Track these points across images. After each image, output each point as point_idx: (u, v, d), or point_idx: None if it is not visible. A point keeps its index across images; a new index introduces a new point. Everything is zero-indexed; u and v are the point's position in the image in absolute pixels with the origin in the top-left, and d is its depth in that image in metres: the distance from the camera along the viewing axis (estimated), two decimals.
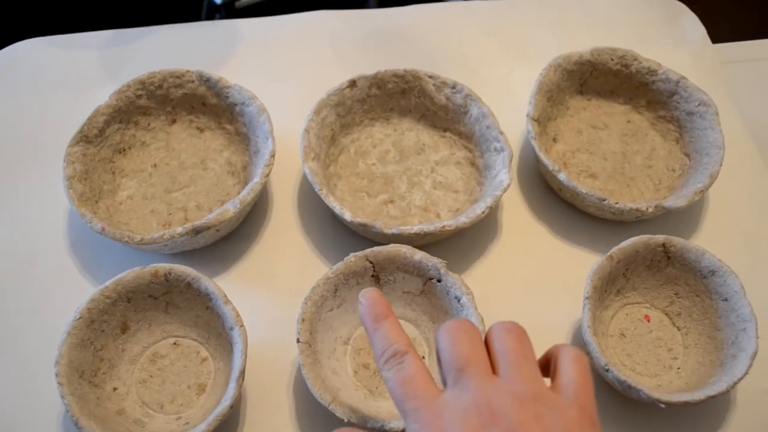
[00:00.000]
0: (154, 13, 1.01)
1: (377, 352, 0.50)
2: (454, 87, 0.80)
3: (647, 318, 0.72)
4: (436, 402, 0.46)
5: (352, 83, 0.80)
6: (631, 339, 0.70)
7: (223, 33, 0.95)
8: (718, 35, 0.96)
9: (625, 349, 0.70)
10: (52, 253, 0.76)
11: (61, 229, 0.78)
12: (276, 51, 0.93)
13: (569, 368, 0.47)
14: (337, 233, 0.77)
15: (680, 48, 0.94)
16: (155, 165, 0.80)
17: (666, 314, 0.72)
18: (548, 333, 0.72)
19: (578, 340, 0.72)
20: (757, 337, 0.65)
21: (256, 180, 0.72)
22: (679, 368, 0.69)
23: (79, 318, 0.64)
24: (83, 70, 0.90)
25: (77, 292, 0.72)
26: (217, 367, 0.68)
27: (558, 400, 0.46)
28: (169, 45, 0.93)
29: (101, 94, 0.79)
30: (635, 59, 0.82)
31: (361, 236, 0.75)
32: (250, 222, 0.78)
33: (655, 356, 0.70)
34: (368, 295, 0.53)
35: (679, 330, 0.71)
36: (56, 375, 0.61)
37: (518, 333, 0.48)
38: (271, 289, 0.74)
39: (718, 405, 0.68)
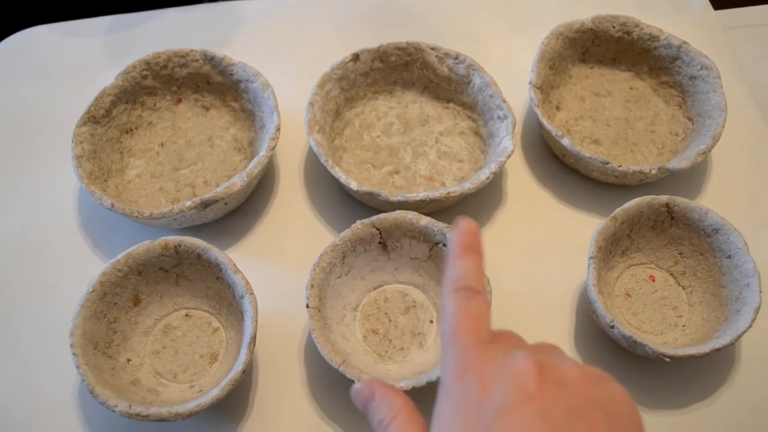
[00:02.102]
0: None
1: (450, 278, 0.44)
2: (456, 58, 0.80)
3: (652, 278, 0.72)
4: (491, 346, 0.42)
5: (355, 57, 0.80)
6: (637, 299, 0.71)
7: (226, 14, 0.96)
8: (719, 1, 0.96)
9: (631, 308, 0.70)
10: (63, 232, 0.78)
11: (71, 208, 0.79)
12: (279, 29, 0.94)
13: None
14: (343, 204, 0.78)
15: (682, 15, 0.94)
16: (162, 144, 0.81)
17: (671, 274, 0.73)
18: (554, 295, 0.73)
19: (584, 300, 0.72)
20: (761, 292, 0.65)
21: (263, 153, 0.73)
22: (684, 326, 0.70)
23: (92, 291, 0.65)
24: (88, 55, 0.92)
25: (88, 269, 0.73)
26: (228, 336, 0.69)
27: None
28: (173, 28, 0.94)
29: (107, 79, 0.80)
30: (636, 26, 0.83)
31: (367, 206, 0.76)
32: (257, 196, 0.79)
33: (661, 315, 0.70)
34: (467, 224, 0.46)
35: (683, 289, 0.72)
36: (71, 346, 0.62)
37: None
38: (279, 261, 0.75)
39: (723, 360, 0.69)
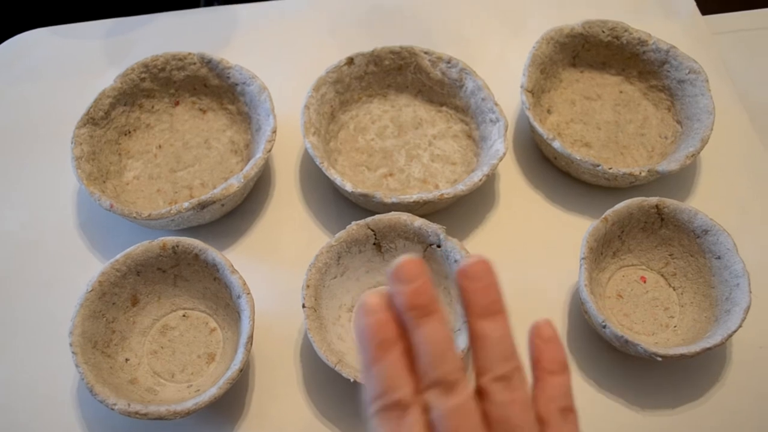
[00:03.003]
0: (154, 1, 1.02)
1: (371, 391, 0.39)
2: (449, 62, 0.81)
3: (643, 279, 0.73)
4: None
5: (350, 60, 0.81)
6: (628, 300, 0.72)
7: (222, 18, 0.97)
8: (707, 7, 0.98)
9: (622, 309, 0.71)
10: (63, 232, 0.78)
11: (71, 209, 0.80)
12: (274, 34, 0.95)
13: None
14: (339, 206, 0.79)
15: (670, 20, 0.96)
16: (160, 146, 0.82)
17: (662, 275, 0.74)
18: (547, 296, 0.74)
19: (576, 301, 0.73)
20: (750, 292, 0.66)
21: (259, 155, 0.74)
22: (675, 326, 0.71)
23: (91, 290, 0.66)
24: (87, 58, 0.92)
25: (87, 269, 0.74)
26: (225, 337, 0.70)
27: None
28: (170, 31, 0.95)
29: (105, 81, 0.81)
30: (626, 30, 0.84)
31: (362, 208, 0.77)
32: (253, 198, 0.80)
33: (652, 316, 0.71)
34: (372, 306, 0.39)
35: (674, 290, 0.73)
36: (70, 345, 0.63)
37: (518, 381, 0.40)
38: (275, 262, 0.76)
39: (714, 360, 0.70)
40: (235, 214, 0.79)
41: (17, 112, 0.88)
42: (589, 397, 0.68)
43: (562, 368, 0.41)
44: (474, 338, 0.40)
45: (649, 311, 0.72)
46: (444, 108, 0.84)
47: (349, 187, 0.72)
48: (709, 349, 0.63)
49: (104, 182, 0.76)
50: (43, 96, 0.89)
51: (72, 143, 0.75)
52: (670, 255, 0.73)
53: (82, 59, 0.92)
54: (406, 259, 0.39)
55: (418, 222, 0.70)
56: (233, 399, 0.68)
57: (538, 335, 0.42)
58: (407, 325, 0.39)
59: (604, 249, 0.72)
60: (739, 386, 0.69)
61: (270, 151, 0.74)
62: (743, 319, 0.65)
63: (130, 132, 0.81)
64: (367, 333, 0.38)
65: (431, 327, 0.38)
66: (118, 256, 0.68)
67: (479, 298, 0.40)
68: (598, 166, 0.74)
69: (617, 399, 0.68)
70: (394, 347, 0.38)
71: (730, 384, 0.69)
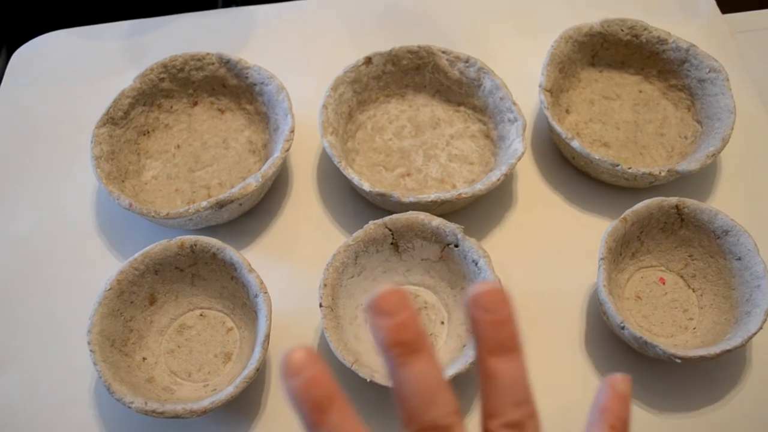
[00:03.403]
0: (172, 2, 1.03)
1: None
2: (467, 61, 0.81)
3: (662, 280, 0.73)
4: None
5: (368, 60, 0.81)
6: (647, 301, 0.72)
7: (240, 19, 0.97)
8: (727, 5, 0.97)
9: (641, 310, 0.71)
10: (82, 231, 0.79)
11: (90, 208, 0.80)
12: (292, 34, 0.95)
13: None
14: (356, 206, 0.79)
15: (689, 19, 0.95)
16: (178, 146, 0.82)
17: (681, 276, 0.73)
18: (565, 297, 0.74)
19: (594, 302, 0.73)
20: None
21: (277, 155, 0.74)
22: (695, 328, 0.70)
23: (110, 289, 0.66)
24: (106, 59, 0.93)
25: (106, 268, 0.75)
26: (242, 336, 0.70)
27: None
28: (188, 32, 0.95)
29: (125, 82, 0.81)
30: (645, 29, 0.84)
31: (379, 207, 0.77)
32: (271, 197, 0.80)
33: (671, 317, 0.71)
34: (296, 362, 0.34)
35: (694, 291, 0.72)
36: (89, 343, 0.63)
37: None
38: (293, 262, 0.76)
39: (734, 362, 0.69)
40: (253, 213, 0.79)
41: (37, 113, 0.88)
42: None
43: (624, 429, 0.38)
44: (484, 377, 0.36)
45: (668, 313, 0.71)
46: (462, 108, 0.84)
47: (366, 186, 0.72)
48: (729, 351, 0.62)
49: (123, 182, 0.76)
50: (63, 97, 0.89)
51: (91, 143, 0.75)
52: (689, 256, 0.73)
53: (101, 61, 0.93)
54: (387, 289, 0.34)
55: (436, 221, 0.70)
56: (250, 398, 0.68)
57: (613, 386, 0.38)
58: (390, 364, 0.34)
59: (623, 250, 0.71)
60: (760, 389, 0.68)
61: (288, 150, 0.74)
62: (764, 321, 0.64)
63: (149, 132, 0.81)
64: (297, 397, 0.33)
65: (419, 366, 0.34)
66: (136, 255, 0.68)
67: (494, 332, 0.35)
68: (618, 165, 0.74)
69: (635, 401, 0.68)
70: (334, 404, 0.33)
71: (750, 386, 0.68)
